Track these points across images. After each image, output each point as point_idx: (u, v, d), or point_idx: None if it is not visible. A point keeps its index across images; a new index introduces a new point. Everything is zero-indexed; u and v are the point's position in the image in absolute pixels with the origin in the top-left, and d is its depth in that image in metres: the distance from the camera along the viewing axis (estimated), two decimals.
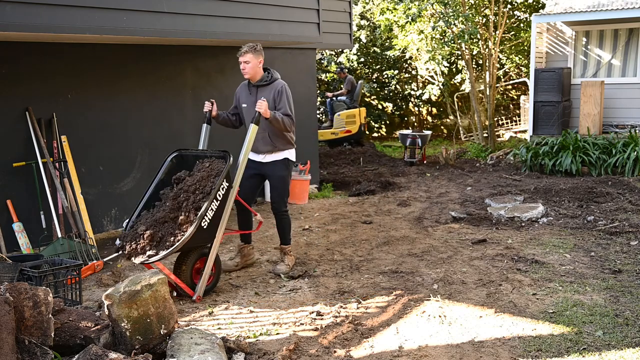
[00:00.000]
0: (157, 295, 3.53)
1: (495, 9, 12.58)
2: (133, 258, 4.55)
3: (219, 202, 4.65)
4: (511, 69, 16.26)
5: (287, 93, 5.26)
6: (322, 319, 4.29)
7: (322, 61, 16.85)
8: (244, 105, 5.37)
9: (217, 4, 6.64)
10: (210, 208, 4.57)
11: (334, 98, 13.63)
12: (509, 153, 11.21)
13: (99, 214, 6.85)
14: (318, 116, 13.19)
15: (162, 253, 4.45)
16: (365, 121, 13.65)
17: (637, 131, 9.87)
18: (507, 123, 16.36)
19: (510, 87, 17.01)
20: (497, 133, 14.48)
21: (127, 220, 4.86)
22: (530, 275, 5.02)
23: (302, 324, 4.22)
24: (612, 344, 3.73)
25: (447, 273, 5.17)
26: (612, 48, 10.92)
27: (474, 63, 14.69)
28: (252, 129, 5.02)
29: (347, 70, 14.10)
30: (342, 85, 13.96)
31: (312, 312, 4.41)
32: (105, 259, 5.86)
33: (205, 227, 4.56)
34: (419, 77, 16.94)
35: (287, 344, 3.83)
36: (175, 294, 4.75)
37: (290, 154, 5.42)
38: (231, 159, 4.80)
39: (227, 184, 4.73)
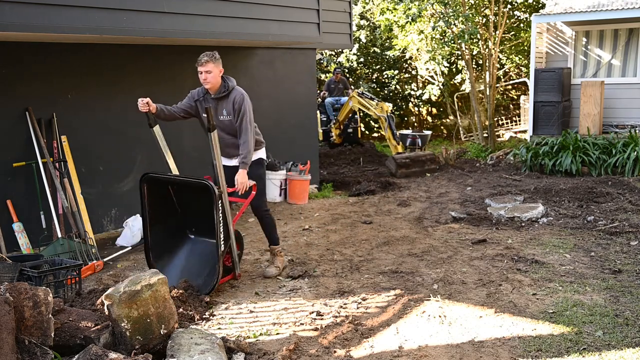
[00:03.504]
0: (157, 295, 3.53)
1: (495, 9, 12.58)
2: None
3: (223, 219, 4.75)
4: (511, 69, 16.26)
5: (246, 105, 5.01)
6: (322, 319, 4.29)
7: (322, 61, 16.85)
8: (204, 116, 5.00)
9: (217, 4, 6.64)
10: (221, 235, 4.72)
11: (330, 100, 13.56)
12: (509, 153, 11.21)
13: (99, 214, 6.85)
14: (323, 118, 13.15)
15: (211, 285, 4.75)
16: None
17: (637, 131, 9.87)
18: (507, 123, 16.36)
19: (510, 87, 17.01)
20: (497, 133, 14.49)
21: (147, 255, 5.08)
22: (530, 275, 5.02)
23: (302, 324, 4.22)
24: (612, 344, 3.73)
25: (447, 273, 5.17)
26: (612, 48, 10.92)
27: (474, 63, 14.69)
28: (213, 137, 4.77)
29: (340, 71, 14.02)
30: (339, 86, 13.89)
31: (312, 312, 4.41)
32: (105, 259, 5.86)
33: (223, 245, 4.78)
34: (419, 77, 16.94)
35: (287, 344, 3.83)
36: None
37: (262, 153, 5.36)
38: (215, 191, 4.64)
39: (219, 192, 4.67)
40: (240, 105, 4.99)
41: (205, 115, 4.84)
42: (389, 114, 11.15)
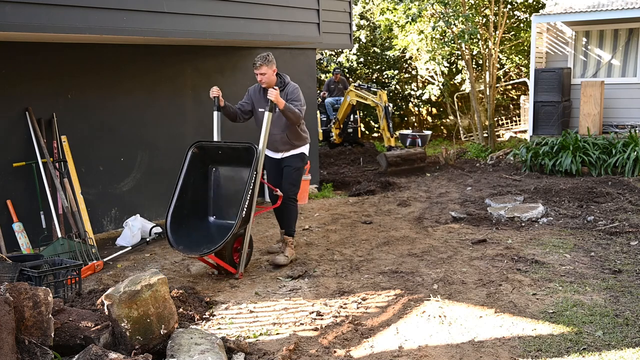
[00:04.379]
0: (157, 295, 3.53)
1: (495, 9, 12.58)
2: (188, 253, 5.07)
3: (252, 190, 5.15)
4: (511, 69, 16.26)
5: (299, 94, 5.63)
6: (322, 319, 4.29)
7: (322, 61, 16.84)
8: (260, 110, 5.63)
9: (217, 4, 6.64)
10: (248, 197, 5.08)
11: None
12: (509, 153, 11.21)
13: (99, 214, 6.85)
14: (323, 118, 13.14)
15: (216, 245, 4.96)
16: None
17: (637, 131, 9.87)
18: (507, 123, 16.37)
19: (510, 87, 17.01)
20: (497, 133, 14.49)
21: (167, 213, 5.28)
22: (530, 275, 5.02)
23: (302, 324, 4.22)
24: (612, 344, 3.73)
25: (447, 273, 5.17)
26: (612, 48, 10.92)
27: (474, 63, 14.69)
28: (267, 116, 5.32)
29: (340, 72, 14.02)
30: (339, 86, 13.89)
31: (312, 312, 4.41)
32: (105, 259, 5.86)
33: (244, 215, 5.09)
34: (419, 77, 16.94)
35: (287, 344, 3.83)
36: (216, 272, 5.40)
37: (306, 149, 5.86)
38: (257, 150, 5.24)
39: (255, 173, 5.16)
40: (293, 94, 5.57)
41: (261, 110, 5.53)
42: (386, 104, 11.26)
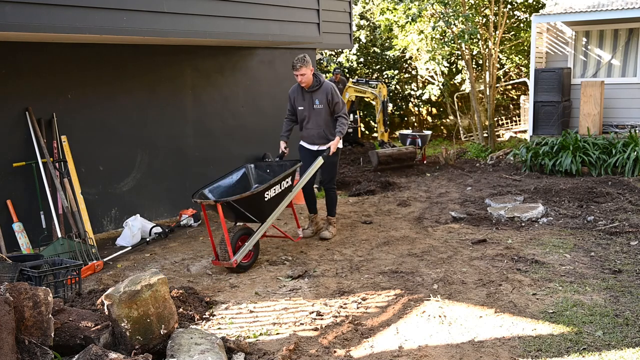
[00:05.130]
0: (157, 295, 3.53)
1: (495, 9, 12.58)
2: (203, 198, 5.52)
3: (280, 190, 5.69)
4: (511, 69, 16.26)
5: (337, 94, 6.29)
6: (322, 319, 4.29)
7: (322, 61, 16.84)
8: (300, 108, 6.36)
9: (217, 4, 6.64)
10: (273, 185, 5.58)
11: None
12: (509, 153, 11.21)
13: (99, 214, 6.85)
14: None
15: (229, 198, 5.39)
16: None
17: (637, 131, 9.87)
18: (507, 123, 16.36)
19: (510, 87, 17.01)
20: (497, 133, 14.49)
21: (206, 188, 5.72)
22: (530, 275, 5.02)
23: (302, 324, 4.22)
24: (612, 344, 3.73)
25: (447, 273, 5.17)
26: (612, 48, 10.92)
27: (474, 63, 14.69)
28: (318, 161, 6.19)
29: (340, 72, 14.01)
30: (339, 86, 13.87)
31: (312, 312, 4.41)
32: (105, 259, 5.86)
33: (266, 199, 5.54)
34: (419, 77, 16.94)
35: (287, 344, 3.83)
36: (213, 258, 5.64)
37: (340, 144, 6.42)
38: (297, 166, 5.99)
39: (291, 183, 5.83)
40: (333, 94, 6.24)
41: (301, 108, 6.33)
42: (385, 99, 11.32)
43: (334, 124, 6.33)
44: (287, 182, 5.83)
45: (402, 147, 11.13)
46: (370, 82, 12.49)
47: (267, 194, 5.57)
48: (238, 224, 5.76)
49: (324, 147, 6.33)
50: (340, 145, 6.45)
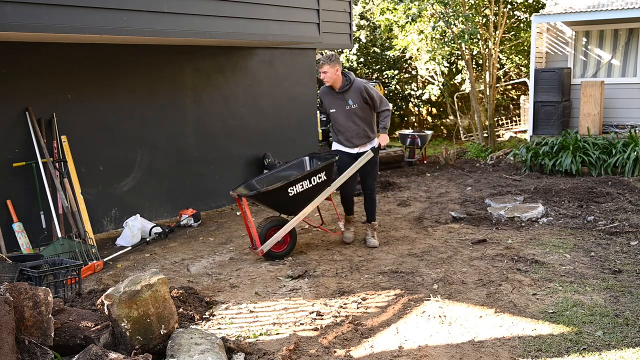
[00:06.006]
0: (157, 295, 3.53)
1: (495, 9, 12.58)
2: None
3: (310, 185, 5.70)
4: (511, 69, 16.25)
5: (372, 90, 5.95)
6: (322, 319, 4.29)
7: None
8: (332, 110, 6.05)
9: (217, 4, 6.64)
10: (299, 181, 5.61)
11: None
12: (509, 153, 11.21)
13: (98, 214, 6.85)
14: (323, 118, 13.13)
15: (254, 192, 5.63)
16: None
17: (637, 131, 9.87)
18: (507, 123, 16.36)
19: (510, 87, 17.01)
20: (497, 133, 14.49)
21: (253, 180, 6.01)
22: (530, 275, 5.02)
23: (302, 324, 4.22)
24: (612, 344, 3.73)
25: (447, 273, 5.17)
26: (612, 48, 10.92)
27: (474, 63, 14.69)
28: (367, 155, 5.96)
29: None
30: None
31: (312, 312, 4.41)
32: (105, 259, 5.86)
33: (291, 194, 5.61)
34: (419, 77, 16.94)
35: (287, 344, 3.83)
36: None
37: (376, 141, 6.18)
38: (333, 159, 5.92)
39: (325, 178, 5.78)
40: (367, 91, 5.91)
41: (334, 110, 6.04)
42: None
43: (377, 120, 6.09)
44: (320, 177, 5.79)
45: (390, 149, 11.22)
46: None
47: (292, 189, 5.61)
48: (275, 215, 6.01)
49: (366, 148, 6.06)
50: (376, 144, 6.17)
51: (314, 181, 5.75)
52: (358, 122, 5.99)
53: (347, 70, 16.15)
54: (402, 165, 11.15)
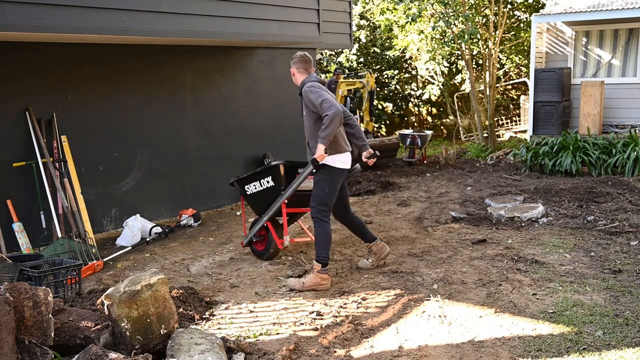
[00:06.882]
0: (157, 295, 3.53)
1: (495, 9, 12.58)
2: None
3: (261, 187, 5.64)
4: (511, 69, 16.25)
5: (312, 94, 4.84)
6: (322, 319, 4.29)
7: (322, 61, 16.84)
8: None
9: (217, 4, 6.64)
10: (249, 179, 5.69)
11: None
12: (509, 153, 11.21)
13: (98, 214, 6.85)
14: None
15: (234, 179, 5.84)
16: None
17: (637, 131, 9.87)
18: (507, 123, 16.36)
19: (510, 87, 17.01)
20: (497, 133, 14.49)
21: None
22: (530, 275, 5.02)
23: (302, 324, 4.22)
24: (612, 344, 3.73)
25: (447, 273, 5.17)
26: (612, 48, 10.92)
27: (474, 63, 14.69)
28: (307, 170, 5.22)
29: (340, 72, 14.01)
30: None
31: (312, 312, 4.41)
32: (105, 259, 5.86)
33: (249, 193, 5.74)
34: (419, 77, 16.94)
35: (287, 344, 3.83)
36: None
37: (342, 158, 5.08)
38: (271, 164, 5.62)
39: (273, 184, 5.56)
40: (307, 96, 4.86)
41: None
42: (372, 89, 11.46)
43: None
44: (268, 181, 5.54)
45: (384, 137, 11.27)
46: (358, 74, 12.60)
47: (248, 188, 5.73)
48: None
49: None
50: (343, 165, 5.04)
51: (264, 184, 5.58)
52: (307, 134, 5.13)
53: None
54: (399, 163, 11.11)
